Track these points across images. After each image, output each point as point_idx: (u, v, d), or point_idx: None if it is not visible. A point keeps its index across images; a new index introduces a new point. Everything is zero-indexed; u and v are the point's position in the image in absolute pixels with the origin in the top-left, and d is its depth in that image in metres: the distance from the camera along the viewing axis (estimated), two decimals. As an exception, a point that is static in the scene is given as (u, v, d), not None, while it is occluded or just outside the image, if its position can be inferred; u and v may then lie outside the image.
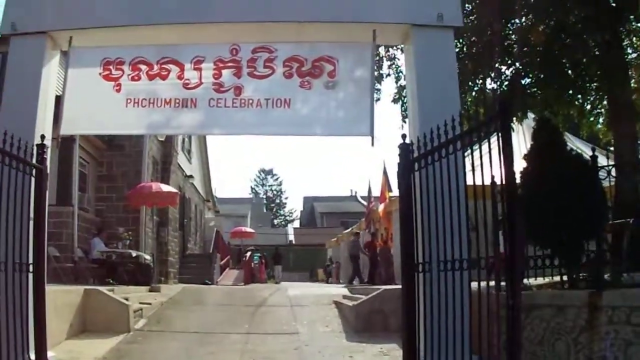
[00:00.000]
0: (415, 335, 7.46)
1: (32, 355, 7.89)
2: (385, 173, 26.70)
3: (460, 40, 13.45)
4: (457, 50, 11.73)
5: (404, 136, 7.99)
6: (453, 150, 6.77)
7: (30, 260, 7.84)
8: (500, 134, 6.08)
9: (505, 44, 13.60)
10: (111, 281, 17.89)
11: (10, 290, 7.37)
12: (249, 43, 9.35)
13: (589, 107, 15.13)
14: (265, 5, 9.22)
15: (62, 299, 11.42)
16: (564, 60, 13.47)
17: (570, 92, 14.16)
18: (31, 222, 7.95)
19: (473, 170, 6.63)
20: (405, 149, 7.86)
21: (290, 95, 9.17)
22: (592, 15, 11.79)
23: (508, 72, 14.30)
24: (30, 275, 7.83)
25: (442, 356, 6.79)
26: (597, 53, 12.99)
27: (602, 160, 9.44)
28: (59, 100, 9.41)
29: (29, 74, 9.04)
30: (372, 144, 8.95)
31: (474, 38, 13.75)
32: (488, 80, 14.84)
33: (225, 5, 9.24)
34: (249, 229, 52.00)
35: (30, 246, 7.88)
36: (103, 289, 13.95)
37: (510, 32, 13.92)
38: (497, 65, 13.71)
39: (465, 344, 6.51)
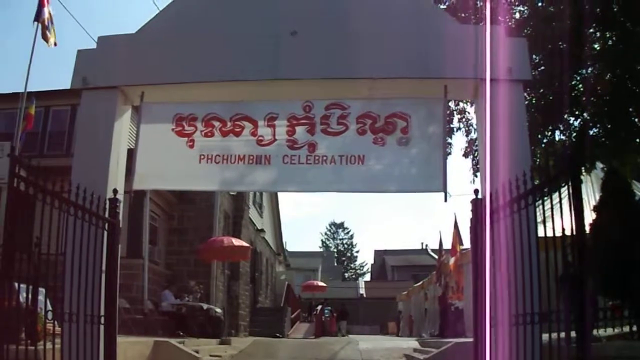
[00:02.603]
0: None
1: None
2: (456, 226, 26.43)
3: (529, 92, 13.33)
4: (526, 102, 11.62)
5: (476, 191, 7.91)
6: (525, 205, 6.69)
7: (102, 312, 7.91)
8: (570, 188, 6.00)
9: (573, 94, 13.43)
10: (181, 333, 18.04)
11: (82, 342, 7.42)
12: (322, 100, 9.26)
13: (655, 154, 14.83)
14: (338, 62, 9.16)
15: (132, 351, 11.53)
16: (630, 109, 13.26)
17: (637, 140, 13.90)
18: (103, 275, 7.97)
19: (544, 222, 6.55)
20: (477, 204, 7.81)
21: (363, 152, 9.01)
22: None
23: (576, 123, 14.15)
24: (102, 327, 7.90)
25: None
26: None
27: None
28: (131, 153, 9.44)
29: (101, 128, 9.08)
30: (445, 200, 8.80)
31: (542, 90, 13.64)
32: (557, 132, 14.66)
33: (298, 62, 9.20)
34: (321, 283, 51.74)
35: (102, 298, 7.93)
36: (173, 341, 14.08)
37: (578, 82, 13.76)
38: (565, 116, 13.55)
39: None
